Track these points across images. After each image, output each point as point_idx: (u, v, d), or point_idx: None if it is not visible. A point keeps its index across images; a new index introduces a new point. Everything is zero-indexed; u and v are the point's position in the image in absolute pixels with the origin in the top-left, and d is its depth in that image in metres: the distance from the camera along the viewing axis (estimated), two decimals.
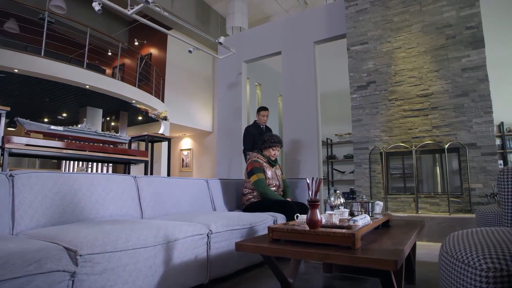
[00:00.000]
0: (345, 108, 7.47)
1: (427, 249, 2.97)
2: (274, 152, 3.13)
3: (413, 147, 3.94)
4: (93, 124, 7.92)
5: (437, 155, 4.07)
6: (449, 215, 3.50)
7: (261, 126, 4.62)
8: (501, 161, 6.35)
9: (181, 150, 10.86)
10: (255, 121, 4.84)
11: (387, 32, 4.33)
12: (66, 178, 1.83)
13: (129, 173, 4.24)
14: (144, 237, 1.48)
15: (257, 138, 4.01)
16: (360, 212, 1.92)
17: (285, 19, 5.87)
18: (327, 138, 8.19)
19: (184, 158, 10.76)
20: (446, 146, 3.74)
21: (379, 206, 2.06)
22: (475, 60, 3.79)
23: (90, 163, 7.22)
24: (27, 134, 2.89)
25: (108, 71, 9.73)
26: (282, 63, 5.62)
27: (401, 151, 4.12)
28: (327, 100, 7.30)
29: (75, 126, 3.39)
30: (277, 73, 7.98)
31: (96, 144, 3.53)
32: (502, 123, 6.39)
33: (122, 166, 5.59)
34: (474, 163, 3.68)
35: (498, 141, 6.32)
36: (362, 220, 1.56)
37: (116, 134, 3.53)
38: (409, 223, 2.06)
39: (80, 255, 1.19)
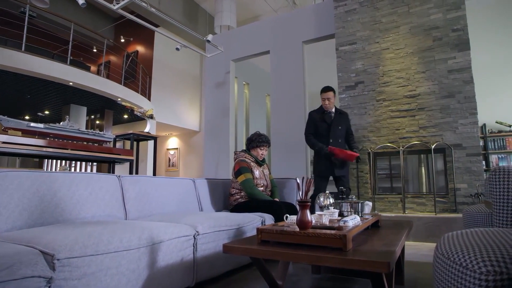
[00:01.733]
0: None
1: (414, 249, 2.99)
2: (261, 152, 3.09)
3: (401, 148, 3.97)
4: (77, 122, 7.71)
5: (423, 155, 4.11)
6: (435, 215, 3.53)
7: (326, 111, 3.58)
8: (483, 162, 6.48)
9: (168, 149, 10.72)
10: (320, 105, 3.85)
11: (375, 33, 4.35)
12: (46, 178, 1.75)
13: (113, 172, 4.13)
14: (128, 239, 1.41)
15: (319, 124, 3.54)
16: (350, 213, 1.89)
17: (274, 18, 5.85)
18: None
19: (170, 158, 10.61)
20: (433, 146, 3.78)
21: (368, 206, 2.05)
22: (461, 62, 3.84)
23: (73, 162, 7.03)
24: (5, 131, 2.76)
25: (93, 68, 9.50)
26: (270, 63, 5.60)
27: (388, 151, 4.15)
28: (315, 100, 7.29)
29: (57, 123, 3.27)
30: (265, 73, 7.96)
31: (79, 142, 3.42)
32: (484, 124, 6.53)
33: (106, 166, 5.46)
34: (459, 163, 3.73)
35: (480, 142, 6.45)
36: (353, 221, 1.54)
37: (100, 132, 3.42)
38: (398, 223, 2.05)
39: (58, 259, 1.12)
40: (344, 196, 2.18)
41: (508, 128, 6.54)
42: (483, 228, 0.96)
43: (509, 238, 0.79)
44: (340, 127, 3.51)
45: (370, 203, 2.05)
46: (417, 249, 2.99)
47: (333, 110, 3.58)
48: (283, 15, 5.82)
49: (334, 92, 3.56)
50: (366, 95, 4.32)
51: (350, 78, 4.46)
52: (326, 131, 3.51)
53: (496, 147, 6.64)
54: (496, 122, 6.65)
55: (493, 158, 6.63)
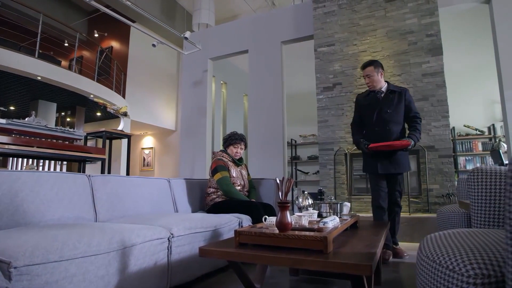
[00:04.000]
0: (309, 109, 7.55)
1: None
2: (236, 150, 3.04)
3: None
4: (46, 119, 7.34)
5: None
6: (409, 215, 3.61)
7: (372, 93, 2.76)
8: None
9: (143, 148, 10.44)
10: None
11: (353, 35, 4.40)
12: (6, 177, 1.61)
13: (84, 172, 3.94)
14: (96, 242, 1.32)
15: (364, 110, 2.77)
16: (329, 214, 1.88)
17: (253, 17, 5.81)
18: (291, 139, 8.24)
19: (145, 157, 10.34)
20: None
21: (346, 207, 2.04)
22: (434, 66, 3.95)
23: (41, 161, 6.69)
24: None
25: (64, 63, 9.09)
26: (249, 62, 5.55)
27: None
28: (292, 101, 7.33)
29: (21, 119, 3.07)
30: (243, 73, 7.91)
31: (46, 139, 3.22)
32: (453, 128, 6.80)
33: (77, 165, 5.22)
34: (432, 164, 3.84)
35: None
36: (332, 222, 1.52)
37: (69, 129, 3.25)
38: (376, 223, 2.06)
39: (15, 267, 1.01)
40: (323, 197, 2.16)
41: (474, 132, 6.84)
42: (465, 229, 0.96)
43: (492, 239, 0.78)
44: (389, 110, 2.64)
45: (349, 204, 2.05)
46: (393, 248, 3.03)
47: (384, 89, 2.73)
48: (262, 14, 5.80)
49: (379, 66, 2.72)
50: (343, 97, 4.37)
51: (328, 79, 4.49)
52: (370, 118, 2.72)
53: (464, 149, 6.93)
54: (464, 126, 6.95)
55: (461, 160, 6.91)
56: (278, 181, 1.46)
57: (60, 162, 6.88)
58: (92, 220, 2.00)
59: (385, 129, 2.64)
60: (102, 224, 1.65)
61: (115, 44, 9.24)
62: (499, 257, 0.67)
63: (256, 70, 5.44)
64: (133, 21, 7.36)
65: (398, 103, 2.66)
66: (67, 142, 3.62)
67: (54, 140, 3.37)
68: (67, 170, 7.67)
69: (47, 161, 6.35)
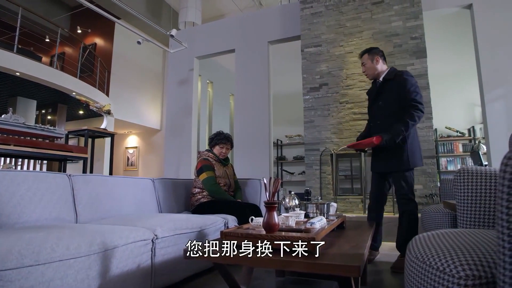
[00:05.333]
0: (295, 110, 7.57)
1: None
2: (222, 150, 3.00)
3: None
4: (25, 116, 7.10)
5: None
6: (394, 214, 3.65)
7: (374, 83, 2.60)
8: None
9: (127, 148, 10.24)
10: None
11: (340, 36, 4.43)
12: None
13: (64, 171, 3.82)
14: (76, 245, 1.26)
15: (369, 102, 2.61)
16: (315, 214, 1.87)
17: (240, 16, 5.78)
18: (277, 139, 8.25)
19: (129, 157, 10.15)
20: None
21: (333, 207, 2.04)
22: (418, 68, 4.01)
23: (19, 160, 6.46)
24: None
25: (45, 59, 8.82)
26: (235, 61, 5.52)
27: (350, 153, 4.23)
28: (278, 101, 7.34)
29: None
30: (230, 72, 7.86)
31: (25, 138, 3.10)
32: (435, 129, 6.94)
33: (57, 164, 5.06)
34: None
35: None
36: (319, 223, 1.50)
37: (49, 127, 3.14)
38: (362, 224, 2.07)
39: None
40: (310, 197, 2.15)
41: (456, 134, 7.02)
42: (453, 229, 0.96)
43: (481, 239, 0.78)
44: (380, 102, 2.44)
45: (335, 204, 2.05)
46: None
47: (382, 78, 2.47)
48: (249, 14, 5.77)
49: (375, 53, 2.48)
50: (329, 97, 4.39)
51: (314, 79, 4.51)
52: (370, 110, 2.58)
53: (445, 150, 7.09)
54: (446, 128, 7.11)
55: (443, 161, 7.07)
56: (265, 181, 1.44)
57: (40, 161, 6.67)
58: (72, 221, 1.92)
59: (376, 123, 2.48)
60: (83, 226, 1.59)
61: (99, 41, 9.03)
62: (489, 258, 0.66)
63: (243, 70, 5.41)
64: (118, 18, 7.22)
65: (391, 93, 2.36)
66: (47, 141, 3.50)
67: (34, 139, 3.25)
68: (47, 170, 7.44)
69: (26, 160, 6.14)
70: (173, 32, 4.81)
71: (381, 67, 2.47)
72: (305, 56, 4.61)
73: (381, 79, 2.47)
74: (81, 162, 3.86)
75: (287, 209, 2.03)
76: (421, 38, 4.06)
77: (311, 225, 1.44)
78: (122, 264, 1.47)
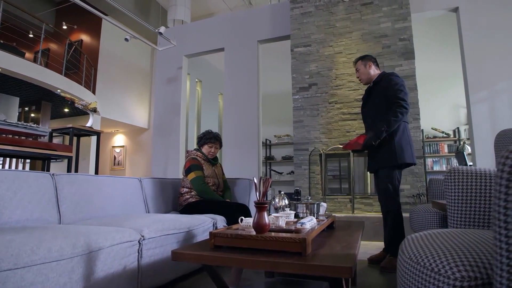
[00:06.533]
0: (284, 109, 7.58)
1: (363, 248, 3.07)
2: (211, 150, 2.97)
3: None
4: (7, 114, 6.88)
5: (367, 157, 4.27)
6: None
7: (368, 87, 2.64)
8: None
9: (113, 147, 10.07)
10: None
11: (329, 36, 4.44)
12: None
13: (48, 170, 3.71)
14: (58, 247, 1.21)
15: (363, 100, 2.64)
16: (305, 214, 1.85)
17: (230, 15, 5.74)
18: (266, 139, 8.24)
19: (116, 156, 9.98)
20: None
21: (323, 207, 2.03)
22: (407, 70, 4.06)
23: (1, 159, 6.27)
24: None
25: (29, 55, 8.59)
26: (224, 60, 5.48)
27: (338, 153, 4.25)
28: (267, 101, 7.33)
29: None
30: (219, 71, 7.81)
31: (6, 135, 3.00)
32: (422, 130, 7.05)
33: (41, 163, 4.91)
34: None
35: None
36: (310, 223, 1.49)
37: (32, 125, 3.04)
38: (351, 224, 2.06)
39: None
40: (299, 197, 2.14)
41: (441, 134, 7.14)
42: (445, 229, 0.96)
43: (475, 239, 0.78)
44: (370, 104, 2.52)
45: (325, 204, 2.04)
46: (366, 248, 3.07)
47: (372, 81, 2.55)
48: (239, 13, 5.74)
49: (368, 59, 2.57)
50: (319, 97, 4.39)
51: (304, 79, 4.51)
52: (361, 112, 2.65)
53: (431, 151, 7.21)
54: (432, 129, 7.23)
55: (429, 161, 7.19)
56: (255, 181, 1.41)
57: (22, 160, 6.49)
58: (55, 222, 1.86)
59: (367, 124, 2.54)
60: (66, 227, 1.54)
61: (85, 38, 8.85)
62: (484, 258, 0.65)
63: (232, 69, 5.37)
64: (105, 14, 7.07)
65: (379, 94, 2.43)
66: (30, 139, 3.39)
67: (16, 137, 3.14)
68: (30, 169, 7.24)
69: (8, 159, 5.96)
70: (162, 29, 4.74)
71: (374, 71, 2.56)
72: (294, 56, 4.60)
73: (372, 82, 2.56)
74: (66, 161, 3.76)
75: (277, 209, 2.01)
76: (409, 39, 4.11)
77: (301, 225, 1.42)
78: (107, 267, 1.43)
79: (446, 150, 7.11)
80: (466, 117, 6.95)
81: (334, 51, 4.39)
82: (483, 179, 1.11)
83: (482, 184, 1.10)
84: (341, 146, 2.57)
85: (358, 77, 2.64)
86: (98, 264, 1.38)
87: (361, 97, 4.12)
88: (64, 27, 8.98)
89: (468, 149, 6.41)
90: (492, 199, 1.06)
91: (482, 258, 0.65)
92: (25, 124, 2.93)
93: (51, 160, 3.82)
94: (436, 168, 7.12)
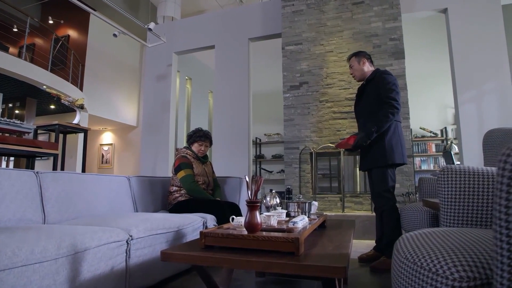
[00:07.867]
0: (274, 108, 7.58)
1: (353, 247, 3.07)
2: (201, 148, 2.93)
3: (342, 148, 4.09)
4: None
5: (359, 156, 4.29)
6: (372, 213, 3.70)
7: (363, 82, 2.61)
8: None
9: (101, 145, 9.90)
10: None
11: (320, 35, 4.44)
12: None
13: (33, 168, 3.61)
14: (42, 248, 1.16)
15: (356, 98, 2.60)
16: (297, 213, 1.84)
17: (220, 12, 5.69)
18: (256, 137, 8.22)
19: (104, 154, 9.82)
20: None
21: (314, 206, 2.02)
22: (397, 69, 4.08)
23: None
24: None
25: (13, 49, 8.37)
26: (215, 58, 5.43)
27: (329, 151, 4.25)
28: (257, 100, 7.32)
29: None
30: (209, 69, 7.75)
31: None
32: (411, 130, 7.13)
33: (25, 161, 4.78)
34: None
35: None
36: (302, 222, 1.47)
37: (16, 121, 2.95)
38: (342, 222, 2.06)
39: None
40: (291, 195, 2.12)
41: (429, 134, 7.24)
42: (439, 228, 0.95)
43: (471, 238, 0.77)
44: (363, 102, 2.49)
45: (316, 203, 2.03)
46: (356, 247, 3.08)
47: (366, 79, 2.52)
48: (230, 10, 5.69)
49: (362, 56, 2.53)
50: (310, 96, 4.39)
51: (295, 78, 4.50)
52: (354, 110, 2.63)
53: (419, 150, 7.31)
54: (420, 128, 7.32)
55: (416, 160, 7.28)
56: (247, 179, 1.39)
57: (6, 158, 6.32)
58: (39, 222, 1.80)
59: (359, 123, 2.52)
60: (51, 227, 1.48)
61: (72, 33, 8.66)
62: (482, 258, 0.64)
63: (223, 67, 5.33)
64: (94, 9, 6.93)
65: (372, 92, 2.40)
66: (14, 136, 3.29)
67: (0, 133, 3.05)
68: (14, 167, 7.06)
69: None
70: (151, 25, 4.66)
71: (368, 68, 2.52)
72: (285, 54, 4.59)
73: (365, 80, 2.52)
74: (52, 159, 3.66)
75: (268, 208, 1.99)
76: (400, 39, 4.14)
77: (293, 224, 1.41)
78: (93, 268, 1.38)
79: (434, 149, 7.21)
80: (453, 117, 7.06)
81: (325, 50, 4.39)
82: (476, 177, 1.10)
83: (475, 182, 1.10)
84: (333, 145, 2.56)
85: (351, 74, 2.60)
86: (84, 265, 1.33)
87: (352, 96, 4.15)
88: (51, 21, 8.77)
89: (455, 148, 6.52)
90: (493, 198, 1.06)
91: (481, 258, 0.64)
92: (8, 120, 2.84)
93: (36, 158, 3.72)
94: (424, 167, 7.22)
